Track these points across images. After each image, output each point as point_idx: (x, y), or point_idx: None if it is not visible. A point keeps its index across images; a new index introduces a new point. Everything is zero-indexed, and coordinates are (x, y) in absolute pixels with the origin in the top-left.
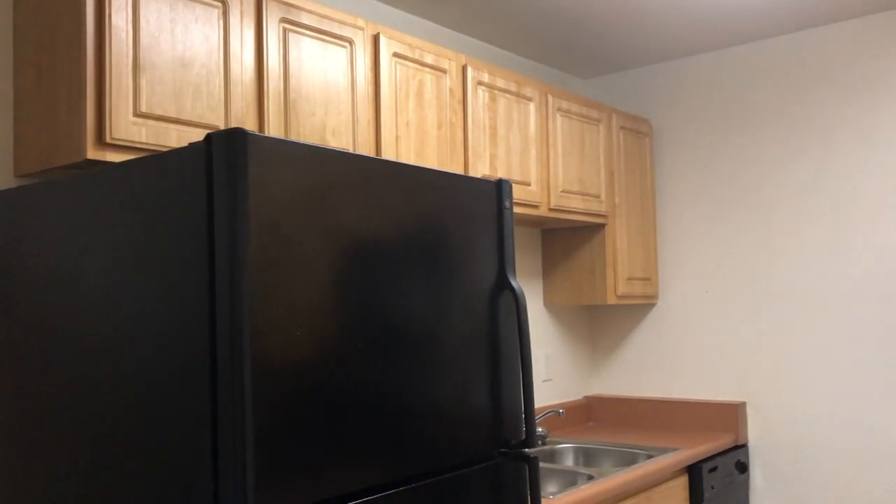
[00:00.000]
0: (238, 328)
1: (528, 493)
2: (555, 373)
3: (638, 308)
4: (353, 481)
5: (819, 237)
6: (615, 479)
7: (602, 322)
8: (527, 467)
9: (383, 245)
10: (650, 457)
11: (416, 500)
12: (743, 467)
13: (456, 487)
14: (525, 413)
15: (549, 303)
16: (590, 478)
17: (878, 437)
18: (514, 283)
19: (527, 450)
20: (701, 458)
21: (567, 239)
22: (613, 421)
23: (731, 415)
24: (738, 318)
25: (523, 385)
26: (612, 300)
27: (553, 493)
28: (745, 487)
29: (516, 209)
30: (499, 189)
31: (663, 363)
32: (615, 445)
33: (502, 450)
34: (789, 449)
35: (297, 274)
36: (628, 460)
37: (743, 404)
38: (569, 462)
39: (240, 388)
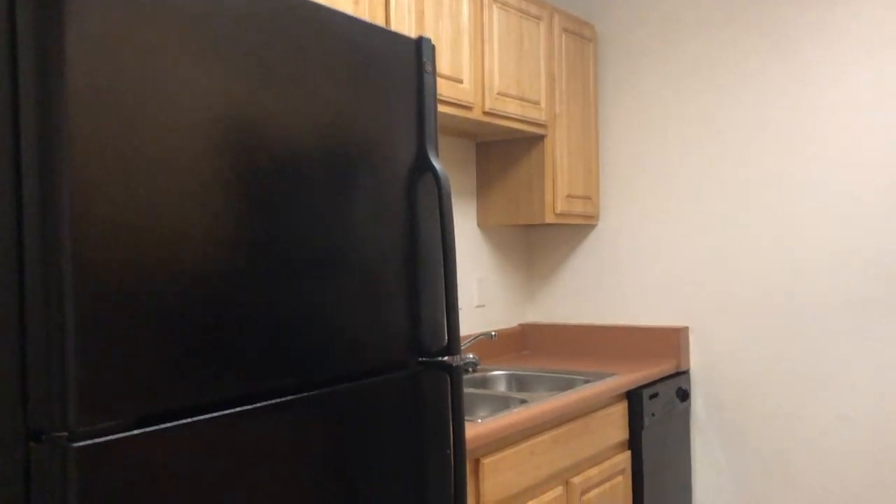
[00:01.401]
0: (54, 215)
1: (450, 404)
2: (488, 299)
3: (577, 230)
4: (218, 389)
5: (771, 157)
6: (550, 402)
7: (539, 245)
8: (448, 377)
9: (268, 118)
10: (588, 382)
11: (317, 408)
12: (684, 395)
13: (366, 396)
14: (447, 319)
15: (483, 224)
16: (523, 402)
17: (822, 364)
18: (435, 165)
19: (449, 359)
20: (641, 384)
21: (503, 153)
22: (550, 349)
23: (673, 340)
24: (683, 241)
25: (446, 287)
26: (550, 219)
27: (483, 417)
28: (686, 416)
29: (446, 110)
30: (418, 49)
31: (603, 288)
32: (551, 372)
33: (421, 359)
34: (731, 377)
35: (138, 150)
36: (565, 386)
37: (685, 329)
38: (502, 389)
39: (56, 288)
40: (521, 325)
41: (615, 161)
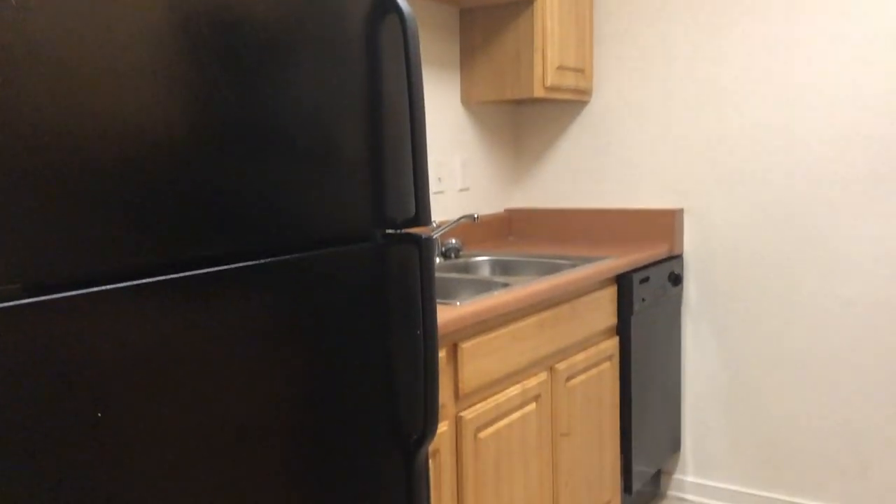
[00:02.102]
0: None
1: (420, 280)
2: (472, 181)
3: (568, 107)
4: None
5: (774, 27)
6: (533, 286)
7: (528, 124)
8: (417, 251)
9: None
10: (575, 266)
11: (263, 280)
12: (677, 279)
13: (322, 269)
14: (415, 186)
15: (467, 100)
16: (505, 286)
17: (825, 245)
18: (399, 2)
19: (418, 231)
20: (632, 268)
21: (489, 20)
22: (538, 235)
23: (667, 223)
24: (680, 118)
25: (413, 149)
26: (539, 92)
27: (463, 301)
28: (678, 300)
29: None
30: None
31: (595, 170)
32: (537, 257)
33: (387, 231)
34: (727, 260)
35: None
36: (551, 271)
37: (680, 211)
38: (485, 273)
39: None
40: (507, 209)
41: (610, 32)
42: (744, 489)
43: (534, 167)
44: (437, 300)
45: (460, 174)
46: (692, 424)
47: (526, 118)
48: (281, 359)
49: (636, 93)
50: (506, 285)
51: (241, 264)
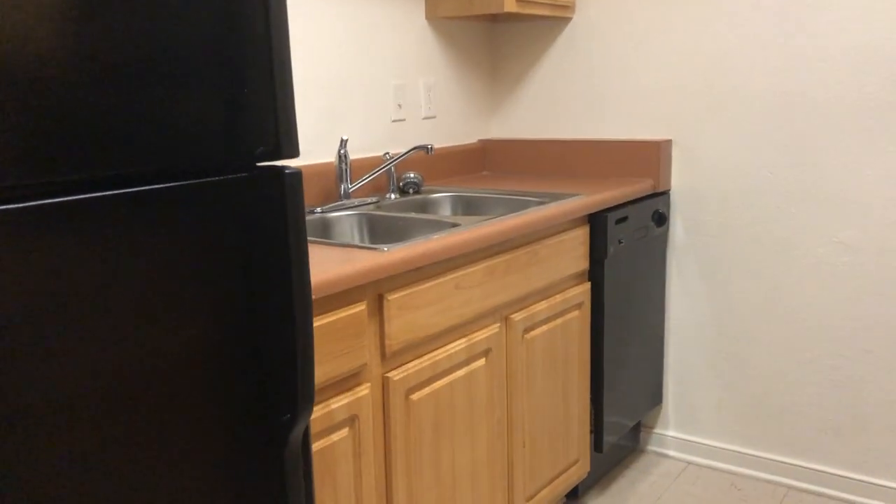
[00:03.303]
0: None
1: (284, 226)
2: (440, 108)
3: (548, 26)
4: None
5: None
6: (483, 227)
7: (503, 45)
8: (280, 186)
9: None
10: (542, 204)
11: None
12: (662, 219)
13: (155, 208)
14: (276, 106)
15: (432, 15)
16: (454, 226)
17: (826, 182)
18: None
19: (281, 163)
20: (607, 207)
21: None
22: (514, 169)
23: (653, 156)
24: (672, 36)
25: (270, 62)
26: (510, 6)
27: (390, 246)
28: (662, 242)
29: None
30: None
31: (577, 97)
32: (505, 193)
33: (241, 164)
34: (718, 196)
35: None
36: (517, 209)
37: (668, 142)
38: (445, 213)
39: None
40: (480, 140)
41: None
42: (729, 446)
43: (512, 94)
44: (367, 244)
45: (424, 100)
46: (675, 376)
47: (502, 38)
48: (99, 319)
49: (623, 7)
50: (455, 226)
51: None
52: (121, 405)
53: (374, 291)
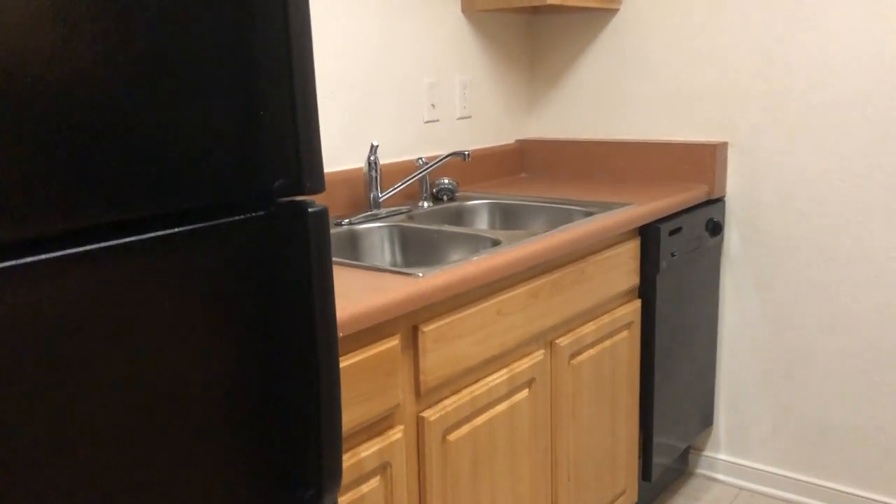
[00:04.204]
0: None
1: (308, 267)
2: (475, 107)
3: (593, 17)
4: None
5: None
6: (527, 245)
7: (544, 38)
8: (303, 226)
9: None
10: (590, 215)
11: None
12: (717, 228)
13: (172, 250)
14: (298, 134)
15: (469, 8)
16: (496, 244)
17: (883, 195)
18: None
19: (303, 198)
20: (660, 217)
21: None
22: (554, 172)
23: (708, 160)
24: (729, 30)
25: (292, 87)
26: None
27: (425, 271)
28: (716, 253)
29: None
30: None
31: (624, 94)
32: (547, 201)
33: (259, 200)
34: (778, 204)
35: None
36: (561, 220)
37: (724, 145)
38: (482, 224)
39: None
40: (518, 141)
41: None
42: (785, 472)
43: (552, 90)
44: (400, 269)
45: (459, 99)
46: (727, 396)
47: (543, 31)
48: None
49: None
50: (496, 243)
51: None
52: (123, 452)
53: (407, 323)
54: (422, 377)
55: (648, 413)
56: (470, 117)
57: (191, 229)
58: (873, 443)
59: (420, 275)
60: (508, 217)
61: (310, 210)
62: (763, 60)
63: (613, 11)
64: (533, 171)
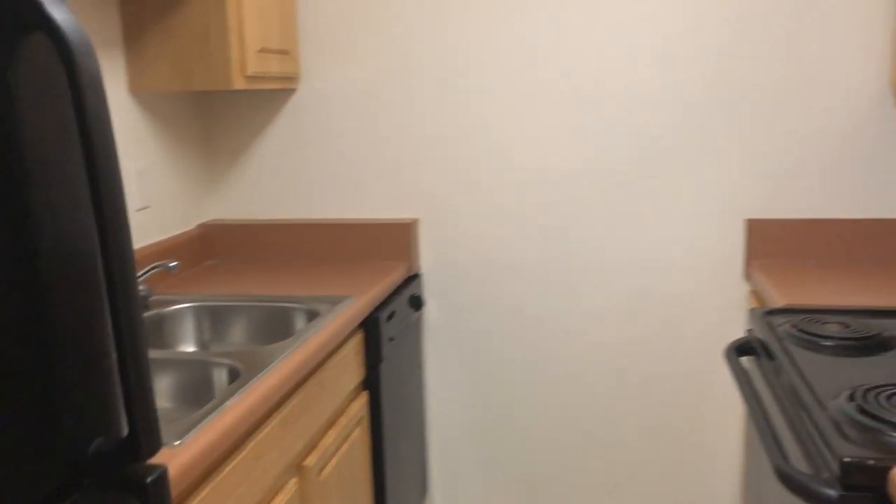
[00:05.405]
0: None
1: None
2: (154, 196)
3: (271, 95)
4: None
5: (514, 17)
6: (272, 373)
7: (221, 117)
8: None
9: None
10: (311, 312)
11: None
12: (418, 303)
13: None
14: (126, 376)
15: (137, 88)
16: (234, 374)
17: (575, 256)
18: (55, 16)
19: (139, 464)
20: (377, 305)
21: None
22: (244, 257)
23: (403, 237)
24: (408, 107)
25: (112, 289)
26: (240, 84)
27: (176, 441)
28: (418, 327)
29: None
30: None
31: (311, 173)
32: (258, 300)
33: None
34: (468, 274)
35: None
36: (280, 322)
37: (415, 222)
38: (189, 339)
39: None
40: (201, 225)
41: (315, 9)
42: None
43: (232, 170)
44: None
45: (137, 189)
46: (440, 462)
47: (217, 110)
48: None
49: (352, 80)
50: (235, 374)
51: None
52: None
53: None
54: None
55: (383, 501)
56: (149, 207)
57: None
58: (579, 480)
59: (175, 444)
60: (217, 322)
61: (148, 478)
62: (442, 139)
63: (292, 90)
64: (221, 257)
